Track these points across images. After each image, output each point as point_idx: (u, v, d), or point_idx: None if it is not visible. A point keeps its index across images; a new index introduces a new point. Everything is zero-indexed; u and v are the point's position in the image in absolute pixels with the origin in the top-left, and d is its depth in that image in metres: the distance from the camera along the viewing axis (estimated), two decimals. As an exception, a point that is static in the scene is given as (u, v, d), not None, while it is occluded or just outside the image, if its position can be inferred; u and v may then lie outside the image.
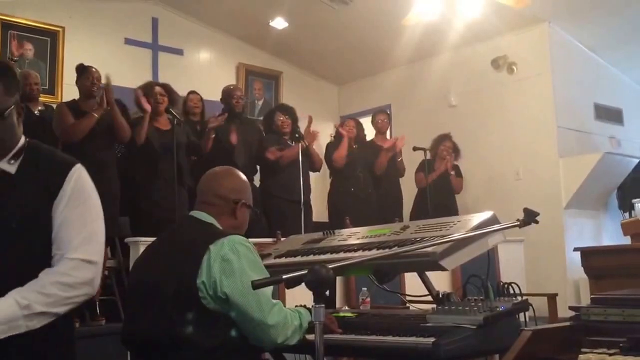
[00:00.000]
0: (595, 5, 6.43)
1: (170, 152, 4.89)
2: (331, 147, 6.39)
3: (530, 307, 2.29)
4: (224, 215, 2.15)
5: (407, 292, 3.55)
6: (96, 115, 4.49)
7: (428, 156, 6.44)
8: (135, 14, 7.35)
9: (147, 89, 5.21)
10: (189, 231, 2.12)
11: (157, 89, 5.18)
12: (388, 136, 7.08)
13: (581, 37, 7.15)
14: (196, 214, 2.16)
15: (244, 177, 2.28)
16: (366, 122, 6.91)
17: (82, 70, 4.68)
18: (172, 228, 2.32)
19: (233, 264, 1.90)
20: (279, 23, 7.68)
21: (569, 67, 7.07)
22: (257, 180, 5.97)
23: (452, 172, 6.49)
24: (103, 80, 4.70)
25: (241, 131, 5.62)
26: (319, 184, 6.72)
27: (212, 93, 6.28)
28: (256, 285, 1.61)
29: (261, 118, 7.15)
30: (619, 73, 7.70)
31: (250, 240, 2.08)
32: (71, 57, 6.35)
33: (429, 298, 2.48)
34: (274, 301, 1.97)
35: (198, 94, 6.03)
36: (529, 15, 6.60)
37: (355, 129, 6.40)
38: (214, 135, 5.29)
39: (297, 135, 5.72)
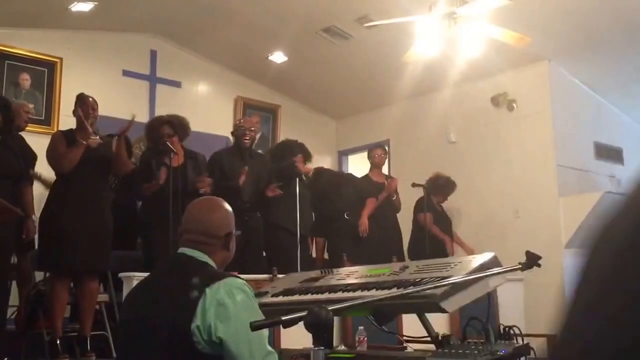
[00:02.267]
0: (596, 45, 6.54)
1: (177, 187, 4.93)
2: None
3: (532, 350, 2.29)
4: (217, 251, 2.13)
5: (404, 332, 3.54)
6: (84, 143, 4.44)
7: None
8: (133, 46, 7.43)
9: (154, 125, 5.25)
10: (183, 271, 2.08)
11: (165, 129, 5.16)
12: (385, 170, 7.12)
13: (581, 76, 7.25)
14: (188, 251, 2.11)
15: (227, 205, 2.26)
16: (363, 157, 6.95)
17: (79, 99, 4.70)
18: (164, 266, 2.29)
19: (229, 308, 1.88)
20: (278, 57, 7.77)
21: (569, 105, 7.16)
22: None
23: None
24: (108, 130, 4.77)
25: (251, 166, 5.58)
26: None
27: (209, 126, 6.34)
28: (255, 326, 1.61)
29: (260, 151, 7.21)
30: (619, 112, 7.80)
31: (246, 276, 2.08)
32: (68, 88, 6.41)
33: (427, 339, 2.47)
34: (269, 349, 1.95)
35: None
36: (529, 53, 6.69)
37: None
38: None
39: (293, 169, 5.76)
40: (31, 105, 5.86)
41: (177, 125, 5.25)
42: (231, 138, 6.05)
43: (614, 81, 7.20)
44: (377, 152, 6.80)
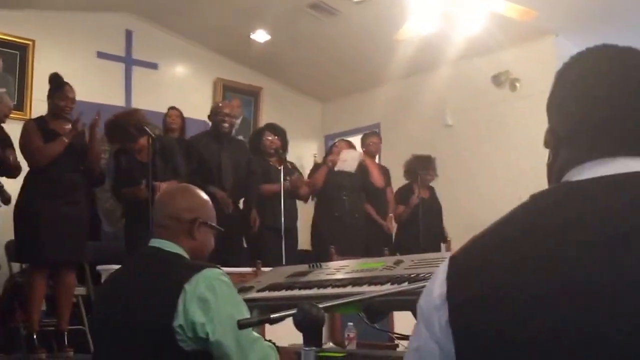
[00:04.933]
0: (607, 18, 6.46)
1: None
2: (314, 170, 6.48)
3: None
4: (181, 237, 2.14)
5: (395, 330, 3.60)
6: (67, 141, 4.58)
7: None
8: (108, 26, 7.42)
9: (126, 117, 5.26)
10: (157, 265, 2.10)
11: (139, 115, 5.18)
12: (377, 159, 7.16)
13: (592, 52, 7.22)
14: (158, 242, 2.14)
15: (202, 194, 2.28)
16: (354, 142, 6.98)
17: (58, 86, 4.71)
18: (136, 259, 2.31)
19: (210, 302, 1.92)
20: (261, 36, 7.77)
21: (577, 84, 7.14)
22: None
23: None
24: (84, 116, 4.79)
25: (229, 152, 5.72)
26: (302, 207, 6.73)
27: (187, 109, 6.37)
28: (242, 325, 1.64)
29: (240, 137, 7.25)
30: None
31: (229, 269, 2.11)
32: (41, 71, 6.39)
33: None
34: (255, 335, 2.01)
35: (178, 110, 6.17)
36: (534, 28, 6.64)
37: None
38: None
39: (284, 159, 5.82)
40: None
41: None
42: (208, 121, 6.13)
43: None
44: (372, 139, 6.84)
